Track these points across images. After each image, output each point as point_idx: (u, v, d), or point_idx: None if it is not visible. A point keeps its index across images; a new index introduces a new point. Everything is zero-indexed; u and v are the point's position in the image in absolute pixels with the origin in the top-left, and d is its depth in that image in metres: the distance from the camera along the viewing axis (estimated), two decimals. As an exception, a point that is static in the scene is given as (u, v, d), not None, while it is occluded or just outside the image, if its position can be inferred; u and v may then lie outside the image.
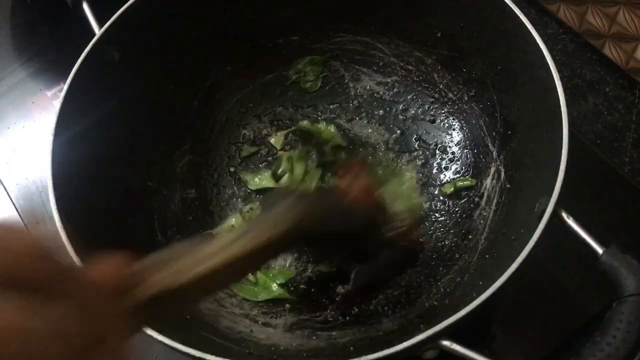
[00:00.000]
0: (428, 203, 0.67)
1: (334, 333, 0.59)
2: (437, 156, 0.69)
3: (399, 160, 0.70)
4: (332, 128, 0.72)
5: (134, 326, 0.33)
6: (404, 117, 0.72)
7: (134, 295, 0.34)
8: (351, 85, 0.75)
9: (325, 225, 0.53)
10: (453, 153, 0.68)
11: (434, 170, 0.68)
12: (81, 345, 0.23)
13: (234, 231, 0.45)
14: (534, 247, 0.46)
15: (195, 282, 0.39)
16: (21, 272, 0.22)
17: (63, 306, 0.22)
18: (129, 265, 0.34)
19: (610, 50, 0.76)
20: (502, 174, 0.62)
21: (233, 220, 0.68)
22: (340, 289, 0.62)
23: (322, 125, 0.73)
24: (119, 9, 0.61)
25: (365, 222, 0.58)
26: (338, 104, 0.74)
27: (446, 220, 0.65)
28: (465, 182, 0.65)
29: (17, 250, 0.22)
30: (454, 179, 0.67)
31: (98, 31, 0.61)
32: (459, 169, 0.67)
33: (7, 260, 0.22)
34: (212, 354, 0.46)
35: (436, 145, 0.70)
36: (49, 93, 0.83)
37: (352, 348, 0.56)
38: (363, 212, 0.58)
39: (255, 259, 0.46)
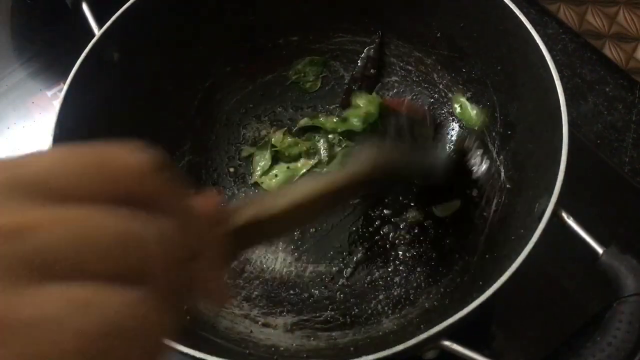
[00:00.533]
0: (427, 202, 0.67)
1: (334, 333, 0.59)
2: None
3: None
4: (334, 118, 0.72)
5: (227, 251, 0.36)
6: (404, 117, 0.72)
7: (227, 225, 0.37)
8: (351, 85, 0.75)
9: (394, 174, 0.56)
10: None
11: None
12: (184, 256, 0.25)
13: (314, 176, 0.50)
14: (534, 247, 0.46)
15: (279, 216, 0.42)
16: (134, 188, 0.23)
17: (170, 220, 0.24)
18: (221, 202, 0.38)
19: (610, 50, 0.76)
20: (502, 174, 0.62)
21: None
22: (340, 289, 0.63)
23: (323, 118, 0.72)
24: (118, 10, 0.61)
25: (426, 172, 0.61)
26: (338, 105, 0.74)
27: (446, 220, 0.65)
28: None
29: (130, 167, 0.23)
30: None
31: (97, 32, 0.61)
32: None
33: (119, 176, 0.23)
34: (211, 354, 0.46)
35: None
36: (49, 93, 0.83)
37: (352, 348, 0.56)
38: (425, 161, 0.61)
39: (330, 202, 0.49)
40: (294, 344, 0.58)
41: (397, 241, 0.65)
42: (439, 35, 0.67)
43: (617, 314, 0.43)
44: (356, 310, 0.61)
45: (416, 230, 0.64)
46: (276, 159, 0.71)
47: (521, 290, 0.57)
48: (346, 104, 0.73)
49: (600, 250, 0.47)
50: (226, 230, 0.37)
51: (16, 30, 0.90)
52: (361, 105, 0.70)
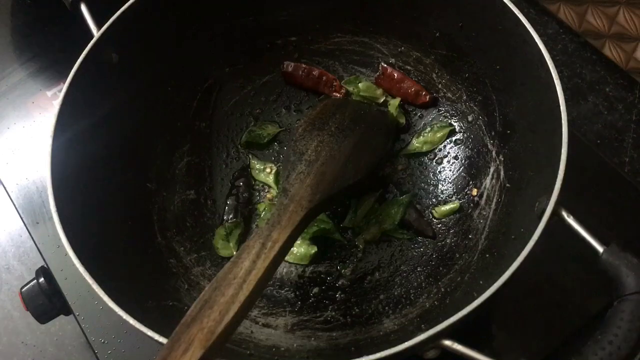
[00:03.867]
0: (427, 203, 0.67)
1: (335, 333, 0.59)
2: (436, 156, 0.69)
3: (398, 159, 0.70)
4: None
5: None
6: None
7: None
8: (351, 85, 0.75)
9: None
10: (452, 153, 0.68)
11: (432, 170, 0.68)
12: None
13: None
14: (535, 246, 0.46)
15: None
16: None
17: None
18: None
19: (610, 50, 0.76)
20: (502, 173, 0.62)
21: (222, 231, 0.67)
22: (340, 293, 0.63)
23: None
24: (117, 11, 0.61)
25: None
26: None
27: (446, 219, 0.65)
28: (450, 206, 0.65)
29: None
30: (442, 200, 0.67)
31: (96, 33, 0.61)
32: (457, 169, 0.67)
33: None
34: (212, 354, 0.46)
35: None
36: (49, 93, 0.83)
37: (353, 348, 0.56)
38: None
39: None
40: (295, 344, 0.58)
41: (397, 240, 0.65)
42: (437, 35, 0.67)
43: (618, 312, 0.43)
44: (357, 310, 0.61)
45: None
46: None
47: (521, 289, 0.57)
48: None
49: (600, 249, 0.47)
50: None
51: (16, 30, 0.90)
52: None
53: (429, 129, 0.70)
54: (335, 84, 0.73)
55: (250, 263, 0.47)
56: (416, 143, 0.69)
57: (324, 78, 0.73)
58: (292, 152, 0.60)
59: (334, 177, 0.57)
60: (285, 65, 0.74)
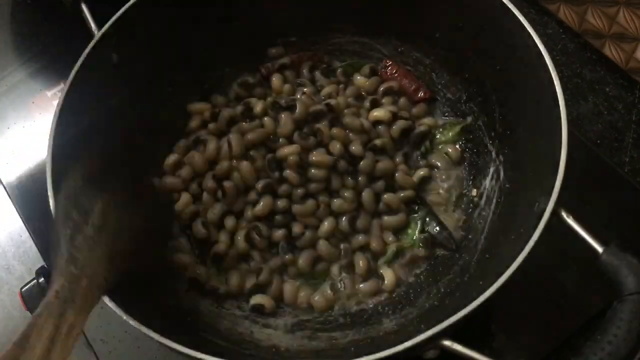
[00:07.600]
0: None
1: (335, 334, 0.59)
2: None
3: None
4: None
5: None
6: (404, 118, 0.72)
7: None
8: (351, 85, 0.75)
9: None
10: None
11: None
12: None
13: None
14: (534, 246, 0.46)
15: None
16: None
17: None
18: None
19: (610, 50, 0.76)
20: (502, 173, 0.62)
21: None
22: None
23: None
24: (117, 11, 0.61)
25: None
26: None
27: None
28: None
29: None
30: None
31: (97, 33, 0.61)
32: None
33: None
34: (212, 355, 0.46)
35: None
36: (49, 93, 0.83)
37: (352, 348, 0.56)
38: None
39: None
40: (295, 345, 0.58)
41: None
42: (437, 35, 0.67)
43: (617, 313, 0.43)
44: (356, 310, 0.61)
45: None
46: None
47: (521, 289, 0.57)
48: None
49: (600, 249, 0.47)
50: None
51: (16, 30, 0.90)
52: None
53: (438, 133, 0.69)
54: None
55: (44, 351, 0.39)
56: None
57: None
58: (71, 204, 0.49)
59: (131, 251, 0.50)
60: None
